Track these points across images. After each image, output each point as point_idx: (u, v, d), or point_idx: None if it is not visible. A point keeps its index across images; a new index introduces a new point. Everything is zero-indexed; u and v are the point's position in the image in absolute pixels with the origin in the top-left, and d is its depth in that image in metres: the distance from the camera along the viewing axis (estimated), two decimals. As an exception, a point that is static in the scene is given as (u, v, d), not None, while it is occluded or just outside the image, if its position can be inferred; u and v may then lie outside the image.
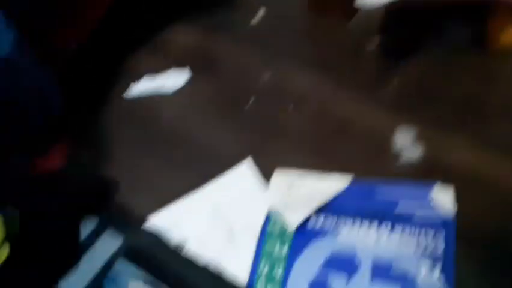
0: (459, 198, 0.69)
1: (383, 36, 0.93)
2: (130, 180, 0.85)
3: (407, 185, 0.72)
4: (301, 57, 0.96)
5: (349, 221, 0.70)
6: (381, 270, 0.64)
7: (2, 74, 0.75)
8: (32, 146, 0.85)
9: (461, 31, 0.90)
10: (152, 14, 1.07)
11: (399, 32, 0.92)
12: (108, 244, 0.75)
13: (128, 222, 0.78)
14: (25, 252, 0.68)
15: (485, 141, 0.76)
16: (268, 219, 0.73)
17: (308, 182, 0.76)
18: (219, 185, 0.80)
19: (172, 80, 0.98)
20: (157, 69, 1.01)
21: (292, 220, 0.71)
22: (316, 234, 0.70)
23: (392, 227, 0.68)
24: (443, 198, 0.69)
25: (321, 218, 0.71)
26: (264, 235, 0.72)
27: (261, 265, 0.68)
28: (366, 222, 0.69)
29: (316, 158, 0.81)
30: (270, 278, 0.67)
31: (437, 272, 0.63)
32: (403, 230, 0.68)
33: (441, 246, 0.65)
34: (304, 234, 0.70)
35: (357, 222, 0.70)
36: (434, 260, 0.64)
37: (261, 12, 1.06)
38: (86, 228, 0.78)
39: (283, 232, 0.71)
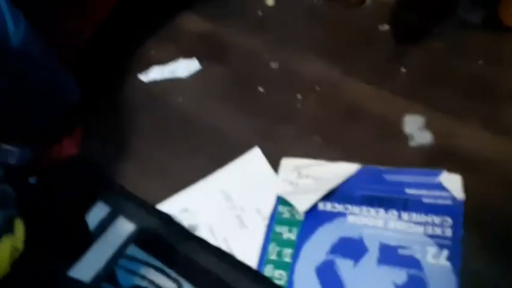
0: (467, 184, 0.70)
1: (393, 21, 0.93)
2: (142, 166, 0.86)
3: (415, 170, 0.72)
4: (310, 44, 0.96)
5: (357, 206, 0.71)
6: (388, 255, 0.65)
7: (15, 64, 0.76)
8: (45, 135, 0.87)
9: (472, 14, 0.89)
10: (163, 2, 1.07)
11: (409, 17, 0.91)
12: (120, 231, 0.77)
13: (140, 208, 0.80)
14: (34, 241, 0.69)
15: (495, 126, 0.76)
16: (277, 204, 0.74)
17: (317, 168, 0.77)
18: (229, 171, 0.82)
19: (183, 67, 0.99)
20: (168, 57, 1.02)
21: (301, 205, 0.71)
22: (325, 218, 0.70)
23: (400, 212, 0.69)
24: (451, 184, 0.69)
25: (330, 203, 0.72)
26: (273, 220, 0.73)
27: (270, 249, 0.70)
28: (374, 207, 0.70)
29: (325, 144, 0.81)
30: (278, 261, 0.68)
31: (444, 257, 0.63)
32: (411, 215, 0.68)
33: (448, 231, 0.65)
34: (312, 219, 0.71)
35: (365, 207, 0.70)
36: (441, 245, 0.64)
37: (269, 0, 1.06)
38: (98, 215, 0.80)
39: (292, 217, 0.72)
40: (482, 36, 0.87)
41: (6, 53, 0.74)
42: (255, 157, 0.82)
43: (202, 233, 0.75)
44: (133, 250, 0.74)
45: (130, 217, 0.78)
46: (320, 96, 0.88)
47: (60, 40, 0.88)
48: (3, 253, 0.58)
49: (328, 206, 0.72)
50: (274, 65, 0.95)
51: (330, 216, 0.70)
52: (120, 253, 0.74)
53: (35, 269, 0.69)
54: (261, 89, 0.92)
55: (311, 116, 0.86)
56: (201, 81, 0.97)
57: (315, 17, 1.01)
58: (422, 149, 0.76)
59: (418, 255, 0.64)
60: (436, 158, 0.75)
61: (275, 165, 0.80)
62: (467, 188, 0.69)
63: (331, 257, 0.67)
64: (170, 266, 0.71)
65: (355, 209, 0.70)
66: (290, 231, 0.71)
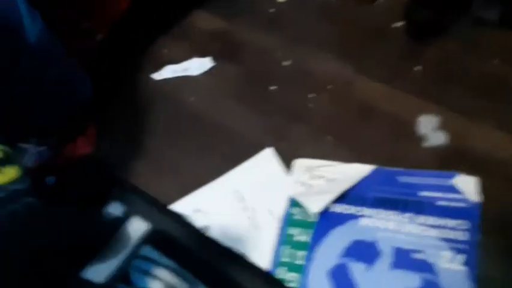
0: (483, 187, 0.69)
1: (407, 18, 0.91)
2: (154, 165, 0.87)
3: (430, 172, 0.71)
4: (323, 41, 0.95)
5: (370, 208, 0.70)
6: (402, 259, 0.65)
7: (30, 62, 0.77)
8: (59, 134, 0.88)
9: (489, 11, 0.87)
10: (175, 0, 1.07)
11: (423, 14, 0.90)
12: (134, 230, 0.77)
13: (153, 208, 0.80)
14: (49, 241, 0.70)
15: (511, 127, 0.74)
16: (290, 205, 0.74)
17: (330, 169, 0.77)
18: (241, 171, 0.82)
19: (195, 65, 0.99)
20: (181, 55, 1.02)
21: (314, 206, 0.71)
22: (338, 221, 0.70)
23: (414, 215, 0.68)
24: (466, 186, 0.69)
25: (343, 205, 0.71)
26: (286, 221, 0.73)
27: (284, 251, 0.70)
28: (387, 210, 0.69)
29: (338, 144, 0.81)
30: (291, 263, 0.69)
31: (459, 262, 0.63)
32: (425, 218, 0.67)
33: (464, 235, 0.65)
34: (326, 221, 0.70)
35: (378, 210, 0.70)
36: (456, 249, 0.64)
37: (283, -4, 1.05)
38: (112, 214, 0.80)
39: (304, 219, 0.72)
40: (498, 34, 0.85)
41: (22, 50, 0.75)
42: (267, 157, 0.82)
43: (215, 233, 0.75)
44: (147, 250, 0.74)
45: (143, 217, 0.79)
46: (332, 95, 0.88)
47: (76, 39, 0.89)
48: None
49: (341, 208, 0.71)
50: (286, 63, 0.94)
51: (343, 219, 0.70)
52: (134, 253, 0.75)
53: (50, 269, 0.70)
54: (273, 88, 0.92)
55: (324, 115, 0.86)
56: (213, 80, 0.97)
57: (328, 14, 1.00)
58: (436, 150, 0.75)
59: (432, 260, 0.64)
60: (451, 159, 0.74)
61: (287, 165, 0.80)
62: (482, 190, 0.68)
63: (344, 260, 0.67)
64: (185, 267, 0.72)
65: (368, 211, 0.70)
66: (303, 233, 0.71)
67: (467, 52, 0.85)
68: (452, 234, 0.65)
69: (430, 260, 0.64)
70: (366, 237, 0.68)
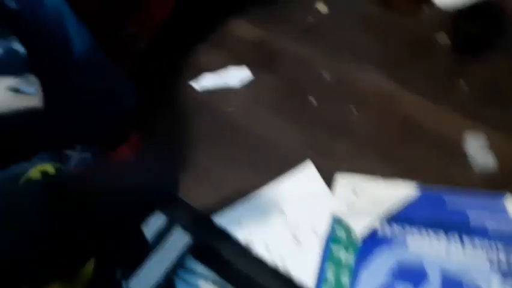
0: (535, 210, 0.67)
1: (453, 32, 0.90)
2: (192, 175, 0.87)
3: (478, 194, 0.70)
4: (365, 53, 0.94)
5: (417, 230, 0.69)
6: (449, 283, 0.64)
7: (78, 73, 0.78)
8: (102, 142, 0.89)
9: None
10: (213, 9, 1.07)
11: (471, 27, 0.88)
12: (177, 241, 0.78)
13: (196, 219, 0.81)
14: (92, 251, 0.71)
15: None
16: (333, 224, 0.74)
17: (374, 186, 0.76)
18: (282, 185, 0.81)
19: (234, 76, 0.99)
20: (219, 64, 1.02)
21: (358, 227, 0.71)
22: (383, 242, 0.70)
23: (462, 239, 0.67)
24: (516, 210, 0.68)
25: (388, 226, 0.71)
26: (329, 241, 0.73)
27: (328, 272, 0.70)
28: (434, 231, 0.69)
29: (381, 161, 0.80)
30: (335, 282, 0.68)
31: (510, 286, 0.62)
32: (474, 242, 0.66)
33: (515, 260, 0.64)
34: (370, 242, 0.70)
35: (426, 232, 0.69)
36: (506, 275, 0.63)
37: (323, 5, 1.04)
38: (155, 224, 0.81)
39: (348, 238, 0.72)
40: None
41: (69, 63, 0.76)
42: (308, 171, 0.82)
43: (258, 249, 0.75)
44: (191, 262, 0.75)
45: (186, 228, 0.79)
46: (374, 109, 0.87)
47: (120, 46, 0.90)
48: None
49: (386, 228, 0.71)
50: (326, 74, 0.94)
51: (389, 239, 0.70)
52: (177, 265, 0.75)
53: (95, 280, 0.72)
54: (313, 100, 0.91)
55: (366, 129, 0.85)
56: (251, 90, 0.97)
57: (370, 25, 0.98)
58: (484, 171, 0.74)
59: (482, 284, 0.63)
60: (499, 179, 0.72)
61: (328, 180, 0.80)
62: (534, 214, 0.67)
63: (390, 281, 0.66)
64: (227, 280, 0.72)
65: (414, 232, 0.69)
66: (347, 252, 0.70)
67: (515, 70, 0.84)
68: (502, 258, 0.64)
69: (479, 284, 0.63)
70: (413, 259, 0.67)
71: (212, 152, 0.90)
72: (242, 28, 1.07)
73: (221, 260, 0.75)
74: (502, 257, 0.64)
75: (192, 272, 0.74)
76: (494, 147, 0.76)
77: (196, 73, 1.02)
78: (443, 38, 0.90)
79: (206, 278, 0.73)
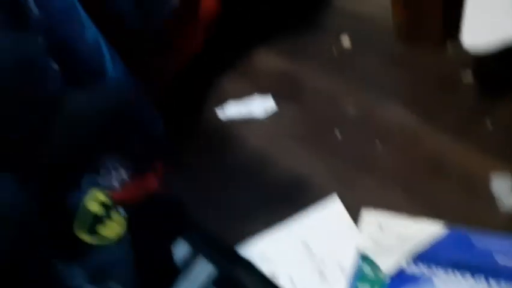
0: None
1: (477, 70, 0.91)
2: (216, 205, 0.88)
3: (506, 236, 0.70)
4: (389, 89, 0.95)
5: (443, 270, 0.69)
6: (478, 326, 0.64)
7: (109, 102, 0.80)
8: (130, 169, 0.90)
9: None
10: (238, 38, 1.09)
11: (496, 65, 0.89)
12: (200, 272, 0.78)
13: (220, 250, 0.82)
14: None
15: None
16: (359, 261, 0.74)
17: (401, 223, 0.76)
18: (307, 218, 0.82)
19: (259, 106, 1.01)
20: (243, 92, 1.04)
21: (385, 264, 0.71)
22: (410, 280, 0.70)
23: (489, 280, 0.67)
24: (545, 253, 0.67)
25: (415, 265, 0.71)
26: (356, 276, 0.73)
27: (354, 308, 0.70)
28: (461, 273, 0.69)
29: (406, 197, 0.80)
30: (362, 322, 0.68)
31: (538, 332, 0.62)
32: (500, 284, 0.66)
33: (543, 304, 0.63)
34: (398, 280, 0.70)
35: (452, 272, 0.69)
36: (536, 319, 0.63)
37: (347, 39, 1.06)
38: (179, 253, 0.82)
39: (375, 275, 0.72)
40: None
41: (103, 86, 0.79)
42: (334, 205, 0.82)
43: (283, 282, 0.75)
44: (215, 292, 0.76)
45: (210, 258, 0.80)
46: (399, 145, 0.88)
47: (150, 77, 0.92)
48: None
49: (413, 268, 0.71)
50: (351, 108, 0.95)
51: (416, 279, 0.70)
52: (203, 293, 0.76)
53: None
54: (337, 133, 0.92)
55: (391, 165, 0.85)
56: (276, 122, 0.98)
57: (393, 61, 1.00)
58: (510, 212, 0.74)
59: (510, 329, 0.63)
60: (527, 222, 0.73)
61: (353, 215, 0.80)
62: (562, 259, 0.67)
63: (417, 322, 0.66)
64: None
65: (441, 273, 0.69)
66: (374, 289, 0.71)
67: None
68: (529, 302, 0.64)
69: (506, 328, 0.63)
70: (441, 300, 0.67)
71: (237, 183, 0.91)
72: (267, 58, 1.09)
73: (246, 291, 0.75)
74: (530, 301, 0.64)
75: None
76: (521, 189, 0.76)
77: (221, 102, 1.04)
78: (468, 76, 0.92)
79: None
